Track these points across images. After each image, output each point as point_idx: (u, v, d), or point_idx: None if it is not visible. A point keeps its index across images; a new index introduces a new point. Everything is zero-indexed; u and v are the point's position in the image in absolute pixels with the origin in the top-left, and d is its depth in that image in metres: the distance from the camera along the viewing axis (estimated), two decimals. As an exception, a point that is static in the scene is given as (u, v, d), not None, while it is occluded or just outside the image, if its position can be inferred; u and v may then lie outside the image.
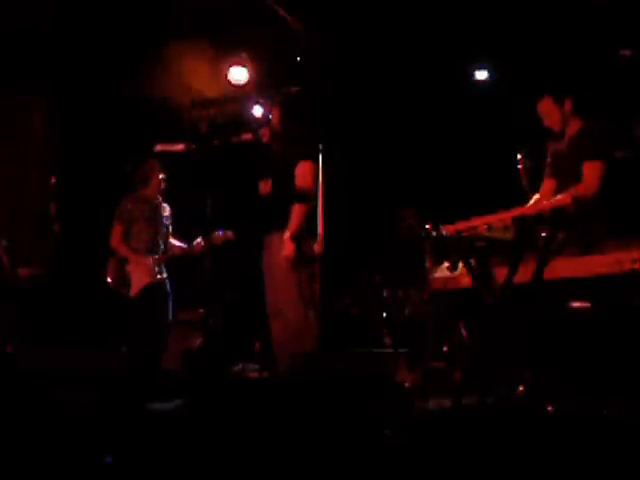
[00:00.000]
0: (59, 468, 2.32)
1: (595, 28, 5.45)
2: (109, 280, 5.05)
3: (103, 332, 5.45)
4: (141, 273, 5.00)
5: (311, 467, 2.32)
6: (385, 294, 6.17)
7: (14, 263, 5.41)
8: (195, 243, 5.14)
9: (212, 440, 2.55)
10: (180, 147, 4.43)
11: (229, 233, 5.05)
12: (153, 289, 5.02)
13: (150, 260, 5.05)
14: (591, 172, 3.55)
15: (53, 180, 5.66)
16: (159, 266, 5.11)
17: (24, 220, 6.28)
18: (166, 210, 5.31)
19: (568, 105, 3.77)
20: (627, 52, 4.97)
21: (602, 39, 5.39)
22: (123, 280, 5.01)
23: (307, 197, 4.01)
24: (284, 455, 2.38)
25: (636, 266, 2.79)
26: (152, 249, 5.11)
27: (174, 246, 5.30)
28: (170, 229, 5.33)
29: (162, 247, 5.18)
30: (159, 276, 5.09)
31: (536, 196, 3.92)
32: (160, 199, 5.27)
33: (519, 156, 4.01)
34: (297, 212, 3.98)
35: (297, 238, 3.97)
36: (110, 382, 3.45)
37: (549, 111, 3.82)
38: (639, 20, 5.12)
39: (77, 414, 2.87)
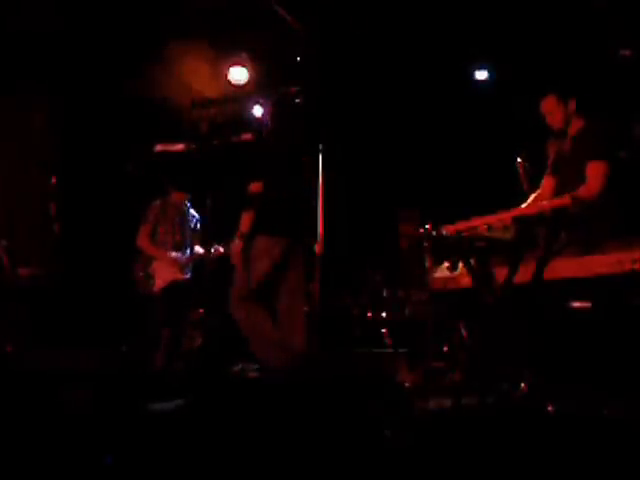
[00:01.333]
0: (59, 467, 2.32)
1: (595, 28, 5.45)
2: (135, 277, 5.12)
3: (103, 332, 5.46)
4: (167, 270, 5.08)
5: (311, 467, 2.32)
6: (385, 294, 6.18)
7: (14, 263, 5.43)
8: (214, 249, 5.18)
9: (212, 440, 2.55)
10: (180, 147, 4.45)
11: None
12: (177, 286, 5.09)
13: (175, 256, 5.12)
14: (595, 172, 3.52)
15: (53, 180, 5.67)
16: (185, 265, 5.18)
17: (24, 220, 6.27)
18: (194, 216, 5.40)
19: (572, 105, 3.75)
20: (627, 52, 4.97)
21: (602, 39, 5.39)
22: (148, 277, 5.08)
23: (255, 203, 3.92)
24: (284, 455, 2.38)
25: (636, 266, 2.79)
26: (177, 251, 5.18)
27: (197, 250, 5.38)
28: (197, 234, 5.40)
29: (187, 250, 5.26)
30: (183, 275, 5.16)
31: (535, 193, 3.91)
32: (188, 205, 5.35)
33: (518, 159, 3.99)
34: (244, 219, 3.90)
35: (247, 237, 3.90)
36: (110, 381, 3.45)
37: (552, 109, 3.79)
38: (639, 20, 5.12)
39: (77, 413, 2.87)
